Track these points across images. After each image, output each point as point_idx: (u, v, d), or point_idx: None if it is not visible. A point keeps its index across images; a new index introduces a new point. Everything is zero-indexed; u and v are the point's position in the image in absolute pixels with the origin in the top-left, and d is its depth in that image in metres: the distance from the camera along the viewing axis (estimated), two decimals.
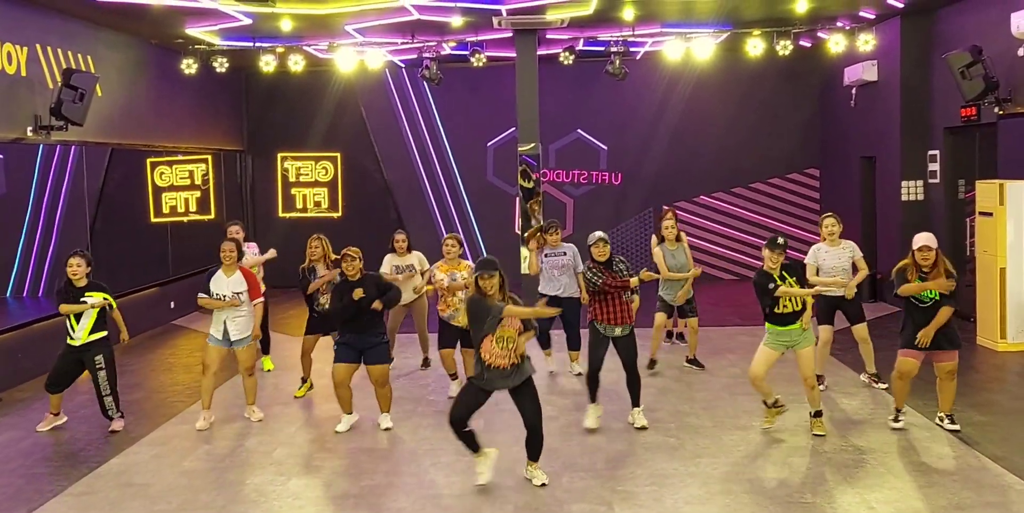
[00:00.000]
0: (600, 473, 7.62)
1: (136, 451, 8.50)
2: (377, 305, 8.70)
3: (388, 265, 10.84)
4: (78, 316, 9.00)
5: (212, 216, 17.05)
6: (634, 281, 8.67)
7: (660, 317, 11.06)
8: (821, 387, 9.81)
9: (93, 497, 7.34)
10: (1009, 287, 11.60)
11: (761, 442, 8.34)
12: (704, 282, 14.67)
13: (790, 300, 8.28)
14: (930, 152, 14.53)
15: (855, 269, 9.84)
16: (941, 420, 8.54)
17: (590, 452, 8.18)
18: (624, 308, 8.73)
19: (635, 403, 8.91)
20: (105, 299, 9.06)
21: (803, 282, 8.50)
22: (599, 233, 8.84)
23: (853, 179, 16.91)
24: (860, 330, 9.93)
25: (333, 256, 10.18)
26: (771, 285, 8.23)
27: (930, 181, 14.60)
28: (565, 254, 10.74)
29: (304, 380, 10.48)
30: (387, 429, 8.94)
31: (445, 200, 19.21)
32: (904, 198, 14.83)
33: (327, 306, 9.88)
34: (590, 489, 7.25)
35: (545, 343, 11.20)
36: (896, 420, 8.58)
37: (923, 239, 8.21)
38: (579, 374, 10.71)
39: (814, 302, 9.30)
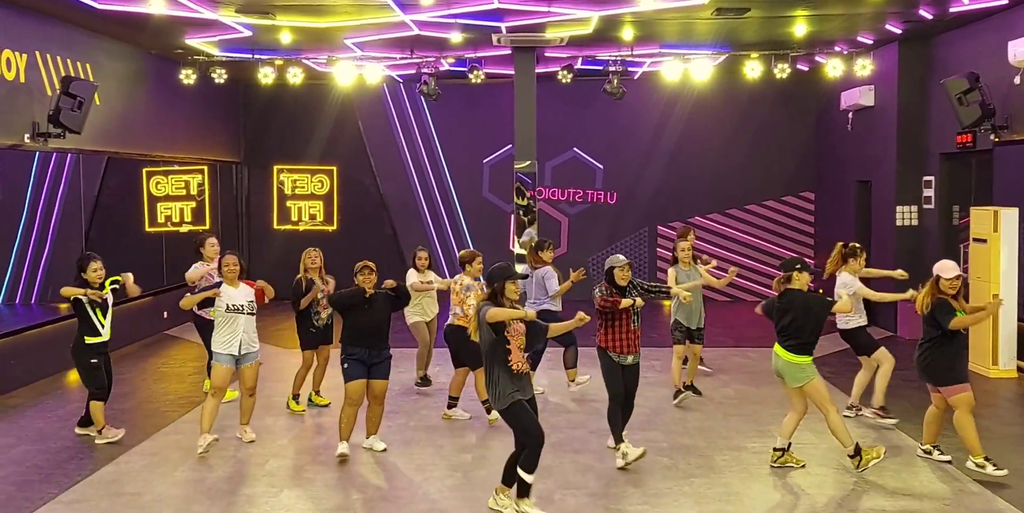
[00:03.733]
0: (593, 492, 7.61)
1: (128, 460, 8.45)
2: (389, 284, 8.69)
3: (415, 278, 10.71)
4: (104, 311, 9.07)
5: (207, 227, 17.03)
6: (625, 302, 8.22)
7: (679, 348, 10.58)
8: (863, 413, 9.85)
9: (84, 505, 7.31)
10: (1002, 314, 11.61)
11: (753, 462, 8.33)
12: None
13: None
14: (925, 177, 14.61)
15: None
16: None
17: (583, 471, 8.16)
18: (632, 335, 8.34)
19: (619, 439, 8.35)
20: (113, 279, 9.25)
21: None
22: (623, 257, 8.49)
23: (848, 203, 16.98)
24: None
25: (324, 274, 10.14)
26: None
27: (925, 206, 14.67)
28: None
29: (296, 397, 10.32)
30: (384, 450, 8.76)
31: (440, 215, 19.23)
32: (899, 223, 14.89)
33: (327, 320, 10.01)
34: (583, 508, 7.24)
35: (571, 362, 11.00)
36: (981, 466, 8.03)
37: (954, 268, 7.93)
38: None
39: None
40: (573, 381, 10.98)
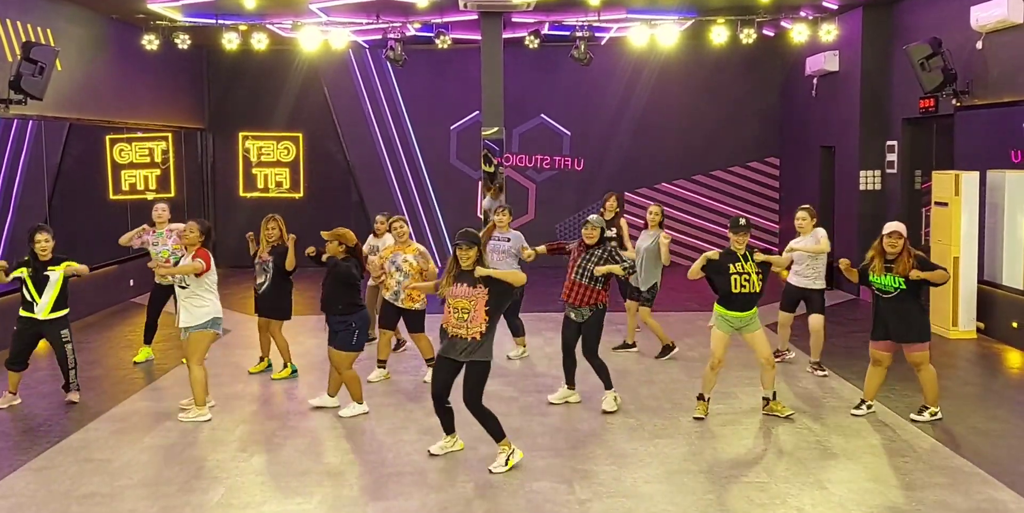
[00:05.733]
0: (561, 452, 7.71)
1: (96, 427, 8.46)
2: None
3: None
4: (40, 289, 8.94)
5: (172, 194, 16.90)
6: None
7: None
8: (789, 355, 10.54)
9: (53, 471, 7.31)
10: (962, 276, 11.83)
11: (718, 423, 8.48)
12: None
13: (746, 281, 8.37)
14: (888, 142, 14.75)
15: None
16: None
17: (551, 432, 8.27)
18: (574, 287, 8.79)
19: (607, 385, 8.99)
20: (69, 266, 9.09)
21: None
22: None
23: (812, 168, 17.11)
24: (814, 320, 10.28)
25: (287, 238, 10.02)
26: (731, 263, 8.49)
27: (888, 171, 14.82)
28: (508, 240, 10.57)
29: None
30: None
31: (407, 182, 19.18)
32: (862, 187, 15.05)
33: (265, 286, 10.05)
34: (551, 468, 7.34)
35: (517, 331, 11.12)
36: (858, 408, 8.63)
37: (893, 226, 8.25)
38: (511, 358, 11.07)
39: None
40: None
